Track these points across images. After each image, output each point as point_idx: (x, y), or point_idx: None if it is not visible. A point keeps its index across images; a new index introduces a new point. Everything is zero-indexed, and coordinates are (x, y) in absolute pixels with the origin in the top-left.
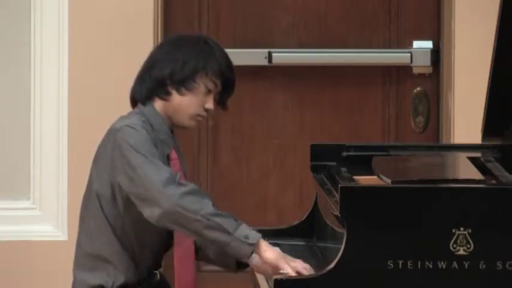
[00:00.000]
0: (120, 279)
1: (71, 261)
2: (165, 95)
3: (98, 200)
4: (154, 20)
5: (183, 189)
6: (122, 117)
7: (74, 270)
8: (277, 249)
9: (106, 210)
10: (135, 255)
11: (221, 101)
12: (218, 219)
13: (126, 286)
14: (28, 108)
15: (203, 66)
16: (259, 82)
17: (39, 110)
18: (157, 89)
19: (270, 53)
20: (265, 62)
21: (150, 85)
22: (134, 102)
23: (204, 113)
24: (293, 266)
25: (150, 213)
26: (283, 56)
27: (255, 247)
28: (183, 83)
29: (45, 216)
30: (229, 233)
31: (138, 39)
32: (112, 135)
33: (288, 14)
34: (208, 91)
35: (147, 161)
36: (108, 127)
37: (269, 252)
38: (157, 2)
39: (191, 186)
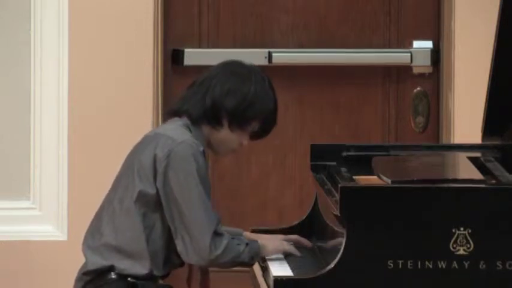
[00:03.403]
0: (131, 270)
1: (71, 261)
2: (216, 125)
3: (138, 196)
4: (154, 20)
5: (220, 248)
6: (176, 129)
7: (87, 252)
8: (273, 245)
9: (144, 210)
10: (155, 257)
11: (255, 137)
12: (240, 260)
13: (132, 276)
14: (28, 108)
15: (263, 112)
16: None
17: (39, 110)
18: (212, 116)
19: (270, 53)
20: (265, 62)
21: (208, 110)
22: (178, 112)
23: (238, 148)
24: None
25: (184, 252)
26: (283, 56)
27: (259, 258)
28: (238, 122)
29: (45, 216)
30: (247, 264)
31: (138, 39)
32: (168, 144)
33: (288, 14)
34: (251, 131)
35: (203, 202)
36: (107, 127)
37: (270, 251)
38: (157, 2)
39: (226, 241)
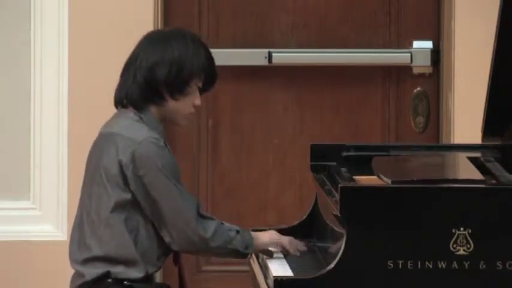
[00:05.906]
0: (127, 275)
1: None
2: (160, 100)
3: (115, 205)
4: (154, 20)
5: (209, 232)
6: (130, 126)
7: (78, 267)
8: (267, 236)
9: (125, 215)
10: (146, 257)
11: (204, 92)
12: (232, 247)
13: (129, 280)
14: (28, 108)
15: (196, 70)
16: (259, 82)
17: (39, 110)
18: (152, 94)
19: (270, 53)
20: (265, 62)
21: (144, 89)
22: (122, 102)
23: (193, 110)
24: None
25: (172, 242)
26: (283, 56)
27: (253, 249)
28: (177, 89)
29: (45, 216)
30: (241, 253)
31: (138, 39)
32: (129, 146)
33: (288, 14)
34: (197, 89)
35: (178, 192)
36: None
37: (264, 241)
38: (157, 2)
39: (214, 224)
